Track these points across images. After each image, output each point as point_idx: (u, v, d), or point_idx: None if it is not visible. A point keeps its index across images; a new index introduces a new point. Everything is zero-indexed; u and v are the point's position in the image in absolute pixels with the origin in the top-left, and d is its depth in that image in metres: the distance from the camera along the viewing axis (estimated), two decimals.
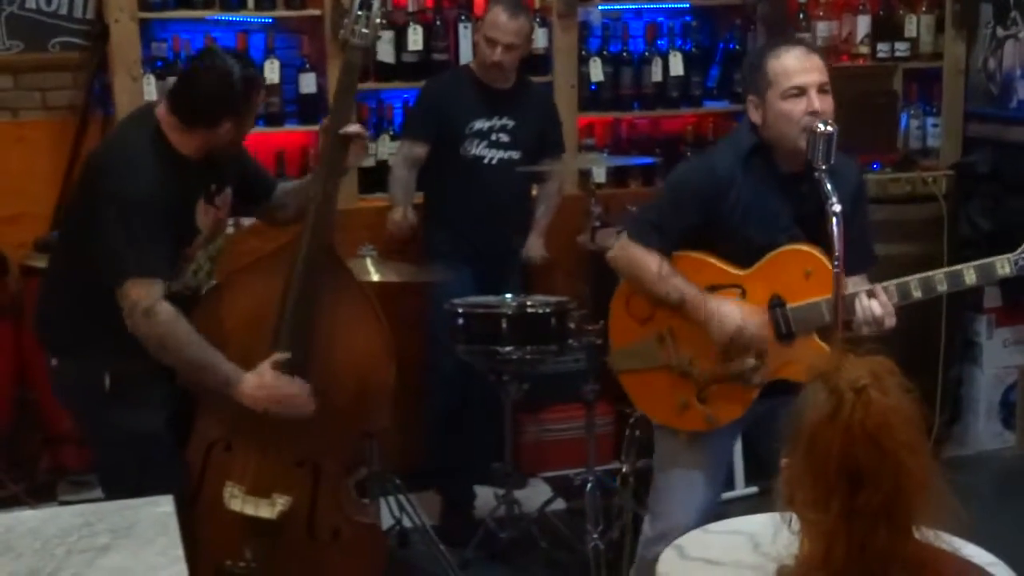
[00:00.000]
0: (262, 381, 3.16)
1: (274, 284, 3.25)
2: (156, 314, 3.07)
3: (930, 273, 3.10)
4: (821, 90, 3.08)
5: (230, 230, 4.34)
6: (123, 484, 3.06)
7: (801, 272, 3.11)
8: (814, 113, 3.04)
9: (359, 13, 3.27)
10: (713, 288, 3.20)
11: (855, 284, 3.13)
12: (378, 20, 3.30)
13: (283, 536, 3.28)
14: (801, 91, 3.07)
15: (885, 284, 3.09)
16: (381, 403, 3.40)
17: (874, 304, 3.04)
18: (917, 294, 3.09)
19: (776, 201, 3.16)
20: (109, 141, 3.56)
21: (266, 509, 3.24)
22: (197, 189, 3.24)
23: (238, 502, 3.23)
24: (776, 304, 3.16)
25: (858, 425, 1.71)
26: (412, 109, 4.70)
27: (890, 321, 3.05)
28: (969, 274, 3.07)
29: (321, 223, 3.25)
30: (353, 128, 3.27)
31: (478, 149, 4.47)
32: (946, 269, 3.12)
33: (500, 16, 4.34)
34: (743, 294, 3.18)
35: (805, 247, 3.12)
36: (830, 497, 1.72)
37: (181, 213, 3.20)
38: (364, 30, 3.27)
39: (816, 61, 3.12)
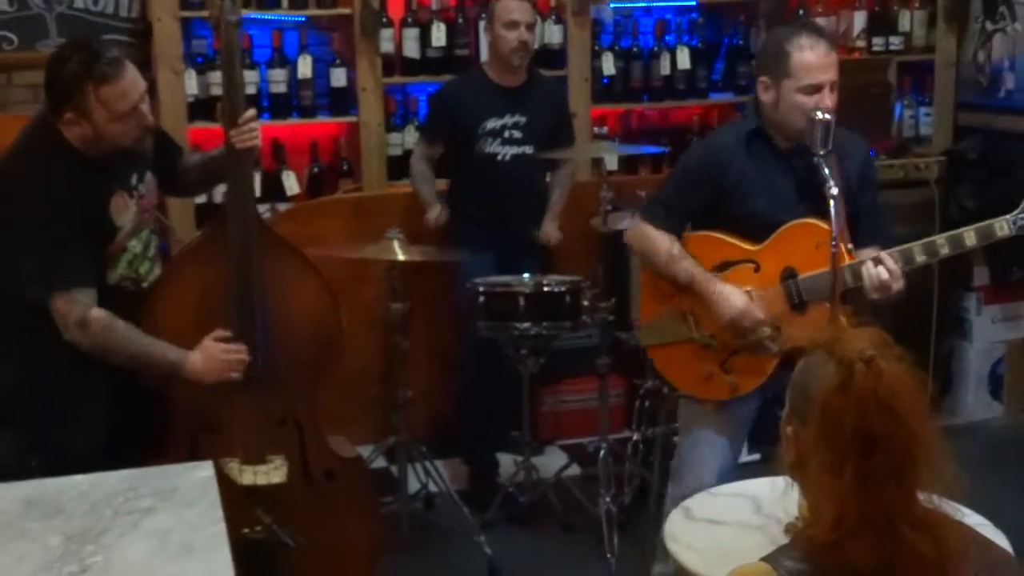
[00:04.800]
0: (208, 354, 3.07)
1: (215, 267, 3.16)
2: (89, 323, 2.95)
3: (933, 238, 3.04)
4: (832, 88, 3.07)
5: (266, 215, 4.34)
6: None
7: (812, 244, 3.06)
8: (824, 110, 3.02)
9: None
10: (727, 264, 3.19)
11: (869, 255, 3.09)
12: None
13: (286, 491, 3.23)
14: (817, 89, 3.05)
15: (889, 251, 3.04)
16: (338, 345, 3.38)
17: (880, 270, 2.99)
18: (921, 258, 3.04)
19: (780, 178, 3.14)
20: (5, 157, 3.11)
21: (275, 474, 3.18)
22: (108, 185, 3.05)
23: (249, 475, 3.16)
24: (788, 275, 3.14)
25: (871, 393, 1.69)
26: (428, 112, 4.68)
27: (897, 285, 3.00)
28: (969, 236, 3.01)
29: (242, 199, 3.16)
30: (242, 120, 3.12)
31: (492, 147, 4.44)
32: (948, 233, 3.05)
33: (510, 2, 4.34)
34: (757, 268, 3.17)
35: (813, 220, 3.07)
36: (844, 462, 1.69)
37: (92, 215, 3.00)
38: (231, 3, 3.06)
39: (833, 58, 3.09)
